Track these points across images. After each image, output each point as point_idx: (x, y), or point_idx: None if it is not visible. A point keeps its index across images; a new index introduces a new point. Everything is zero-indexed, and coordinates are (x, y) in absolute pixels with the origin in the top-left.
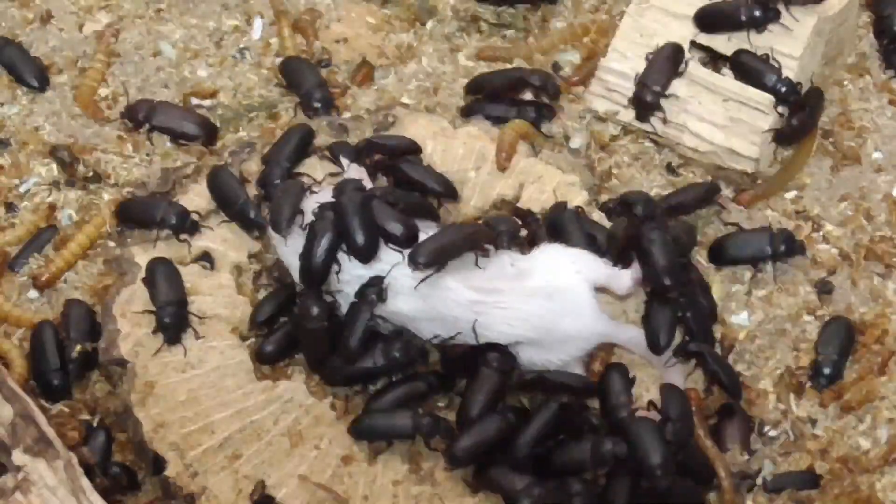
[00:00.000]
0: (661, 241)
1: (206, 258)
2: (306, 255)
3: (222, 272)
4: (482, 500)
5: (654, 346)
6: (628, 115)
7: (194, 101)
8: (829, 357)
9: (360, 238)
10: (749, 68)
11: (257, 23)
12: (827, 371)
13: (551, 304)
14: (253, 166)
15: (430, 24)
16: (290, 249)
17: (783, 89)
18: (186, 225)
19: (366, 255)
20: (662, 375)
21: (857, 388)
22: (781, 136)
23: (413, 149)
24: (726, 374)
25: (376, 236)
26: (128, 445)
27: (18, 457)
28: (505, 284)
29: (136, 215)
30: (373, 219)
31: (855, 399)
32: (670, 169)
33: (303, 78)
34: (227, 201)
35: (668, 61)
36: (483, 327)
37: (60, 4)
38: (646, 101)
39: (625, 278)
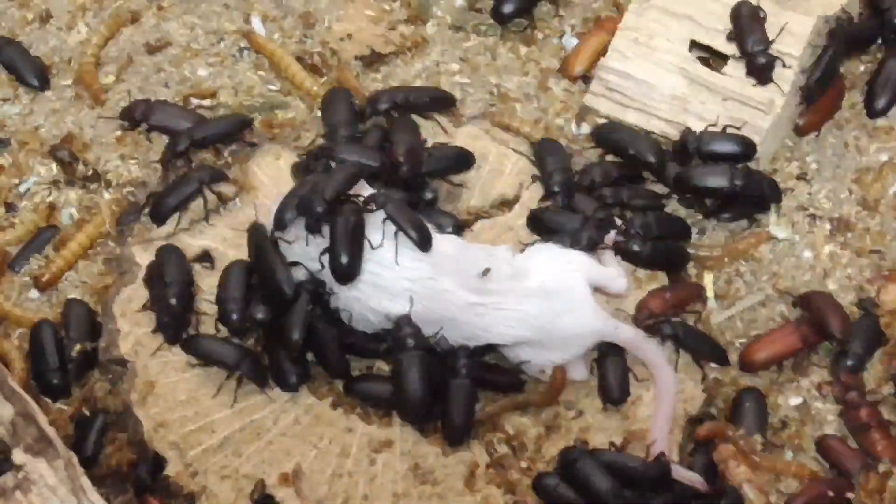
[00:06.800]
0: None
1: (206, 258)
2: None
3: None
4: (482, 499)
5: None
6: (629, 115)
7: (194, 101)
8: (853, 351)
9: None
10: (741, 23)
11: (256, 22)
12: (850, 363)
13: (549, 303)
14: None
15: (430, 24)
16: (291, 250)
17: (761, 60)
18: None
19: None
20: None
21: None
22: None
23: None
24: (707, 346)
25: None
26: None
27: (19, 456)
28: (502, 285)
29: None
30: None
31: None
32: None
33: (336, 112)
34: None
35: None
36: (482, 329)
37: (60, 4)
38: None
39: (620, 278)
